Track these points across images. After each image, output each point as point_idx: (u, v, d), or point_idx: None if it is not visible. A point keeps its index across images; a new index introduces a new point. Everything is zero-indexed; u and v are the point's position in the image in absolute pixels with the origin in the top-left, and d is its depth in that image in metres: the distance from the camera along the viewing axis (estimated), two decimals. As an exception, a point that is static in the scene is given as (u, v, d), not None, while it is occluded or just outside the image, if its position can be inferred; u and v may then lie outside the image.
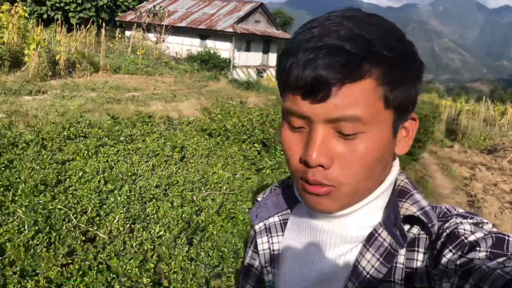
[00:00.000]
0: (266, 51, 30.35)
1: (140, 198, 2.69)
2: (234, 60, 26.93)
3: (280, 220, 0.81)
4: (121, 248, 2.22)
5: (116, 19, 30.62)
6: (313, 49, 0.58)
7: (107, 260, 2.08)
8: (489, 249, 0.54)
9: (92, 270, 1.99)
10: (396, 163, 0.70)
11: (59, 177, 2.77)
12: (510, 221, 5.20)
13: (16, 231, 2.17)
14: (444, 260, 0.57)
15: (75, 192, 2.61)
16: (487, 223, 0.62)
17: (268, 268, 0.77)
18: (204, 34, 27.86)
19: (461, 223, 0.61)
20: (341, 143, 0.61)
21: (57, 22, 19.91)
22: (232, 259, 2.36)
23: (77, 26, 22.90)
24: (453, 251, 0.57)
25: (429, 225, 0.62)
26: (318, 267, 0.71)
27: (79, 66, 13.78)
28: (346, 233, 0.68)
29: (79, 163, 3.00)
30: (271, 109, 5.26)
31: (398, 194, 0.68)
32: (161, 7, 27.04)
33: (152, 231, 2.36)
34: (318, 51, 0.58)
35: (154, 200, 2.71)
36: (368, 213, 0.68)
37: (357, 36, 0.58)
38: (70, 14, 29.26)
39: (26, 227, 2.19)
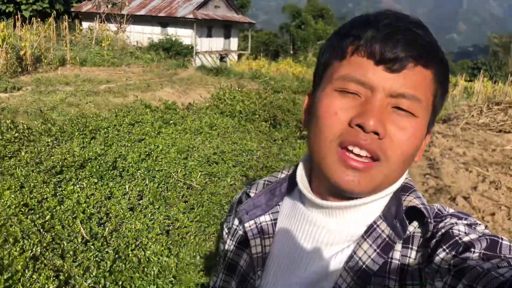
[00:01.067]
0: (227, 36, 30.47)
1: (207, 162, 3.38)
2: (196, 46, 26.95)
3: (271, 220, 0.77)
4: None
5: (72, 9, 29.77)
6: (393, 25, 0.60)
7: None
8: (482, 251, 0.54)
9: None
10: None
11: (146, 150, 3.54)
12: (463, 178, 5.89)
13: (145, 184, 3.01)
14: (437, 259, 0.57)
15: (161, 160, 3.35)
16: (479, 224, 0.62)
17: (259, 273, 0.74)
18: (165, 21, 27.66)
19: (456, 223, 0.61)
20: (394, 120, 0.61)
21: (13, 15, 19.30)
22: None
23: (30, 18, 22.23)
24: (447, 250, 0.57)
25: (429, 221, 0.61)
26: (313, 266, 0.69)
27: (45, 60, 13.67)
28: (346, 230, 0.68)
29: (151, 140, 3.69)
30: (266, 93, 5.95)
31: (402, 189, 0.68)
32: (119, -4, 26.59)
33: (224, 181, 3.14)
34: (399, 28, 0.60)
35: (214, 164, 3.42)
36: (371, 210, 0.68)
37: (427, 30, 0.62)
38: (23, 7, 28.16)
39: (147, 181, 2.91)
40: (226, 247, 0.83)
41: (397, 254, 0.63)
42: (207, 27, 28.39)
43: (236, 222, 0.83)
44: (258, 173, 3.60)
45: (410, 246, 0.63)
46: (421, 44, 0.60)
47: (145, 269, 2.21)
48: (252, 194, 0.81)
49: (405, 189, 0.68)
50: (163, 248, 2.38)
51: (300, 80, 8.77)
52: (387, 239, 0.63)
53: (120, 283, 2.08)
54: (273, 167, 3.66)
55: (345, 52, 0.64)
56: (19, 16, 18.32)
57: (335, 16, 44.73)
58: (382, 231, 0.64)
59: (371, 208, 0.67)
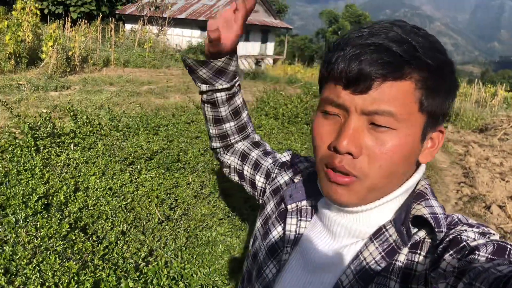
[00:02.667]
0: (264, 40, 30.85)
1: None
2: (233, 50, 27.37)
3: (311, 205, 0.82)
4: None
5: (116, 12, 30.89)
6: (361, 45, 0.62)
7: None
8: (489, 255, 0.53)
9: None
10: (421, 169, 0.71)
11: (203, 146, 3.93)
12: (499, 188, 5.82)
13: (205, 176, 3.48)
14: (443, 263, 0.57)
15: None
16: (494, 234, 0.61)
17: (287, 248, 0.79)
18: (204, 25, 28.26)
19: (466, 230, 0.61)
20: (372, 136, 0.63)
21: (62, 17, 20.19)
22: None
23: (77, 20, 23.12)
24: (454, 255, 0.57)
25: (436, 230, 0.62)
26: (323, 254, 0.73)
27: (91, 61, 14.32)
28: (356, 227, 0.70)
29: (206, 138, 4.07)
30: (307, 97, 6.26)
31: (415, 197, 0.68)
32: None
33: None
34: (365, 48, 0.62)
35: None
36: (382, 212, 0.69)
37: (404, 40, 0.61)
38: (71, 9, 29.42)
39: (207, 173, 3.44)
40: (268, 207, 0.92)
41: (402, 257, 0.64)
42: (245, 31, 28.80)
43: (283, 180, 0.93)
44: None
45: (418, 251, 0.64)
46: (387, 60, 0.61)
47: (213, 246, 2.57)
48: (296, 180, 0.87)
49: (418, 196, 0.68)
50: (227, 230, 2.73)
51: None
52: (393, 244, 0.65)
53: (194, 256, 2.45)
54: (299, 155, 3.96)
55: (324, 75, 0.69)
56: (69, 17, 19.04)
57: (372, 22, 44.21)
58: (390, 235, 0.66)
59: (382, 210, 0.69)
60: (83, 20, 19.84)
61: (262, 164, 1.01)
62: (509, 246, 0.55)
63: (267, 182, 0.98)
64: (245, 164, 1.04)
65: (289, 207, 0.83)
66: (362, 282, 0.65)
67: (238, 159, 1.05)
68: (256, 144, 1.07)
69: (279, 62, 29.35)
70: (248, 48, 29.27)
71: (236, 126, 1.04)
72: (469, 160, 7.23)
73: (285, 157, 1.01)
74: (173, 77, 15.71)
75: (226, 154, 1.08)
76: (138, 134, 4.07)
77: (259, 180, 1.00)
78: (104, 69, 14.74)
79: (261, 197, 0.99)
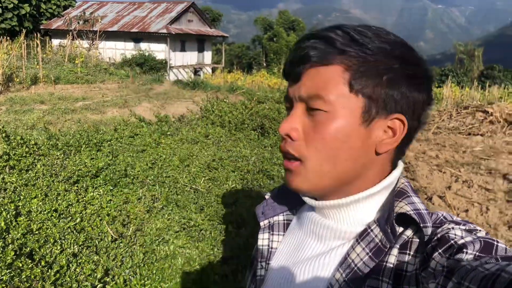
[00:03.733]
0: (201, 50, 30.79)
1: (207, 168, 3.64)
2: (170, 61, 27.11)
3: (284, 220, 0.83)
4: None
5: (41, 27, 29.45)
6: (300, 41, 0.68)
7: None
8: (476, 252, 0.54)
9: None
10: (399, 167, 0.72)
11: (150, 159, 3.80)
12: (438, 179, 6.17)
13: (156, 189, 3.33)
14: (433, 262, 0.57)
15: (166, 167, 3.57)
16: (480, 230, 0.62)
17: (262, 263, 0.80)
18: (138, 37, 27.74)
19: (453, 228, 0.61)
20: (308, 120, 0.67)
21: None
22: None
23: (-1, 37, 21.84)
24: (442, 254, 0.57)
25: (421, 225, 0.62)
26: (309, 258, 0.72)
27: (17, 79, 13.54)
28: (340, 227, 0.70)
29: (152, 151, 3.92)
30: (250, 103, 6.30)
31: (396, 195, 0.69)
32: (91, 12, 26.55)
33: (226, 185, 3.37)
34: (303, 40, 0.67)
35: (214, 170, 3.68)
36: (363, 211, 0.70)
37: (343, 32, 0.65)
38: (-9, 25, 27.71)
39: (157, 186, 3.23)
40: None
41: (392, 258, 0.64)
42: (180, 41, 28.60)
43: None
44: (255, 176, 3.93)
45: (407, 251, 0.64)
46: (315, 47, 0.65)
47: (172, 260, 2.50)
48: (267, 197, 0.87)
49: (399, 194, 0.69)
50: (185, 242, 2.66)
51: (281, 91, 9.21)
52: (379, 243, 0.65)
53: (154, 272, 2.36)
54: (268, 170, 4.00)
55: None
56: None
57: (306, 27, 45.76)
58: (375, 235, 0.66)
59: (362, 208, 0.70)
60: (5, 37, 18.71)
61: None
62: (495, 243, 0.56)
63: None
64: None
65: (261, 224, 0.83)
66: (352, 285, 0.65)
67: None
68: None
69: (218, 70, 29.39)
70: (186, 58, 29.07)
71: None
72: (408, 155, 7.57)
73: None
74: (109, 92, 15.19)
75: None
76: (80, 151, 3.88)
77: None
78: (33, 87, 13.97)
79: None
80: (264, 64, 38.46)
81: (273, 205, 0.85)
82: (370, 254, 0.65)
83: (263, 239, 0.82)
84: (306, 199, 0.74)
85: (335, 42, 0.64)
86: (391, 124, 0.67)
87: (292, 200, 0.83)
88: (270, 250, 0.80)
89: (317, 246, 0.73)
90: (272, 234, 0.82)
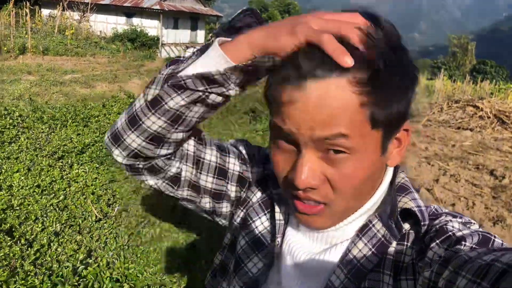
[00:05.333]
0: (194, 28, 30.32)
1: None
2: (162, 38, 26.69)
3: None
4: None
5: (31, -5, 28.62)
6: (302, 74, 0.55)
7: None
8: (474, 245, 0.55)
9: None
10: (390, 168, 0.69)
11: None
12: (426, 172, 6.21)
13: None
14: (430, 252, 0.57)
15: None
16: (474, 223, 0.63)
17: (279, 239, 0.73)
18: (130, 12, 27.16)
19: (451, 221, 0.61)
20: (329, 165, 0.59)
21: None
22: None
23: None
24: (440, 244, 0.57)
25: (422, 223, 0.62)
26: (307, 255, 0.70)
27: (4, 48, 13.20)
28: (337, 234, 0.68)
29: None
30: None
31: (398, 190, 0.67)
32: (82, -17, 25.85)
33: None
34: (306, 75, 0.54)
35: None
36: (362, 217, 0.68)
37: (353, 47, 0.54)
38: (-22, -9, 26.83)
39: None
40: (254, 199, 0.80)
41: (391, 250, 0.64)
42: (173, 18, 28.12)
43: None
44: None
45: (404, 242, 0.64)
46: (333, 85, 0.54)
47: (158, 243, 2.43)
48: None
49: (401, 189, 0.67)
50: (171, 226, 2.60)
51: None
52: (382, 239, 0.64)
53: (138, 255, 2.29)
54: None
55: (269, 100, 0.64)
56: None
57: (301, 11, 45.34)
58: (378, 230, 0.65)
59: (363, 219, 0.68)
60: (-8, 4, 18.17)
61: (229, 169, 0.81)
62: (492, 237, 0.56)
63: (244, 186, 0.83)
64: (202, 174, 0.79)
65: (274, 191, 0.75)
66: (355, 280, 0.63)
67: (192, 167, 0.79)
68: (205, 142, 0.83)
69: (210, 50, 28.96)
70: (178, 36, 28.62)
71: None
72: (405, 153, 7.59)
73: (245, 148, 0.85)
74: (99, 66, 14.94)
75: (173, 161, 0.77)
76: (67, 126, 3.75)
77: (232, 190, 0.82)
78: (21, 57, 13.66)
79: (243, 193, 0.82)
80: (258, 47, 37.97)
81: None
82: (373, 250, 0.64)
83: (279, 213, 0.74)
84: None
85: (351, 70, 0.53)
86: (399, 135, 0.64)
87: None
88: (285, 226, 0.74)
89: (313, 246, 0.71)
90: (288, 209, 0.74)
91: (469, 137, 8.04)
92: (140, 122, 0.65)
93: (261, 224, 0.77)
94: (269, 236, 0.75)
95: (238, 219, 0.81)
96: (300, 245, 0.71)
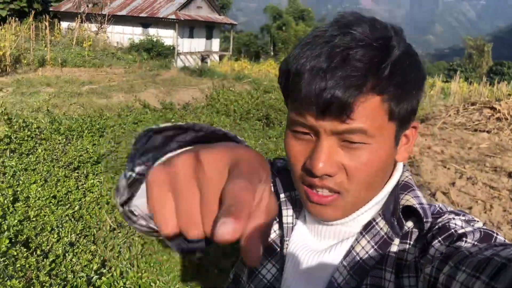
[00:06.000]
0: (209, 37, 30.59)
1: None
2: (178, 47, 26.98)
3: (296, 195, 0.79)
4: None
5: (51, 9, 29.32)
6: (322, 67, 0.58)
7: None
8: (476, 242, 0.55)
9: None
10: (400, 166, 0.71)
11: None
12: (442, 175, 6.13)
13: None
14: (432, 250, 0.58)
15: None
16: (478, 221, 0.63)
17: (287, 242, 0.75)
18: (146, 22, 27.58)
19: (453, 218, 0.62)
20: (346, 153, 0.62)
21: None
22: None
23: (8, 18, 21.82)
24: (442, 242, 0.58)
25: (424, 220, 0.62)
26: (311, 253, 0.71)
27: (24, 61, 13.51)
28: (345, 230, 0.69)
29: None
30: (257, 92, 6.23)
31: (401, 188, 0.68)
32: (99, -4, 26.39)
33: None
34: (328, 69, 0.57)
35: None
36: (369, 213, 0.69)
37: (365, 53, 0.58)
38: (0, 6, 27.63)
39: None
40: None
41: (394, 247, 0.65)
42: (189, 27, 28.43)
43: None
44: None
45: (407, 241, 0.64)
46: (356, 81, 0.57)
47: (171, 252, 2.44)
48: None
49: (404, 187, 0.68)
50: (185, 235, 2.62)
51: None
52: (385, 236, 0.65)
53: (152, 264, 2.31)
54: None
55: (285, 93, 0.67)
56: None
57: (315, 17, 45.32)
58: (381, 228, 0.66)
59: (370, 214, 0.69)
60: (13, 18, 18.66)
61: None
62: (495, 234, 0.57)
63: None
64: None
65: (281, 195, 0.77)
66: (357, 277, 0.64)
67: None
68: None
69: (225, 58, 29.20)
70: (193, 45, 28.90)
71: None
72: (413, 149, 7.52)
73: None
74: (116, 76, 15.17)
75: None
76: (82, 136, 3.82)
77: None
78: (40, 69, 13.95)
79: None
80: (272, 54, 38.15)
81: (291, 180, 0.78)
82: (375, 247, 0.65)
83: (287, 216, 0.76)
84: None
85: (368, 71, 0.58)
86: (407, 132, 0.67)
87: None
88: (293, 227, 0.76)
89: (319, 243, 0.72)
90: (296, 211, 0.77)
91: (486, 139, 7.89)
92: (132, 222, 0.60)
93: (272, 231, 0.77)
94: (279, 240, 0.76)
95: None
96: (304, 244, 0.73)
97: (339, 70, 0.57)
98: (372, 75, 0.58)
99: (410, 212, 0.65)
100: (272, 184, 0.79)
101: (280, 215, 0.77)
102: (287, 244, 0.74)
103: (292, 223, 0.76)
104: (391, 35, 0.61)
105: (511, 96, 10.88)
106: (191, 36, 28.73)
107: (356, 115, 0.59)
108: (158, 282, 2.16)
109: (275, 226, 0.78)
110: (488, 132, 8.37)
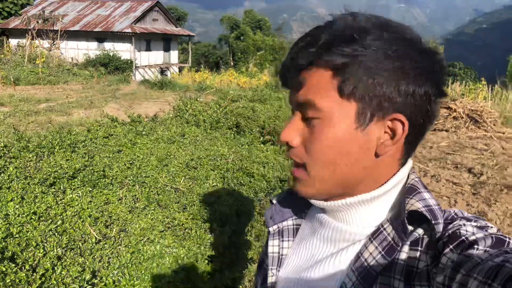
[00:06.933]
0: (167, 49, 30.43)
1: (186, 167, 3.60)
2: (136, 60, 26.65)
3: (293, 225, 0.82)
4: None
5: (-2, 26, 28.23)
6: (295, 43, 0.67)
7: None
8: (488, 248, 0.54)
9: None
10: (407, 165, 0.70)
11: (128, 160, 3.71)
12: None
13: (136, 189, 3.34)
14: (444, 258, 0.57)
15: (145, 167, 3.52)
16: (491, 227, 0.61)
17: (273, 271, 0.79)
18: (101, 36, 27.09)
19: (464, 225, 0.61)
20: (306, 127, 0.67)
21: None
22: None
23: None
24: (453, 250, 0.57)
25: (433, 222, 0.61)
26: (320, 260, 0.72)
27: (-26, 81, 12.99)
28: (350, 230, 0.70)
29: (129, 151, 3.83)
30: (224, 102, 6.29)
31: (407, 192, 0.67)
32: (51, 11, 25.68)
33: (207, 184, 3.37)
34: (294, 45, 0.67)
35: (193, 169, 3.65)
36: (372, 212, 0.69)
37: (331, 29, 0.63)
38: None
39: (137, 186, 3.32)
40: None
41: (403, 255, 0.63)
42: (145, 40, 28.18)
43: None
44: (235, 174, 3.94)
45: (418, 248, 0.63)
46: (303, 50, 0.65)
47: (160, 259, 2.47)
48: (274, 201, 0.85)
49: (409, 191, 0.67)
50: (171, 242, 2.64)
51: (253, 89, 9.22)
52: (391, 242, 0.64)
53: (142, 271, 2.32)
54: (248, 168, 4.01)
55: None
56: None
57: (272, 26, 46.00)
58: (388, 234, 0.65)
59: (370, 210, 0.69)
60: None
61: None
62: (507, 239, 0.56)
63: None
64: None
65: (270, 229, 0.82)
66: (365, 283, 0.64)
67: None
68: None
69: (185, 69, 29.09)
70: (152, 58, 28.65)
71: None
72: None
73: None
74: (73, 92, 14.80)
75: None
76: (54, 153, 3.75)
77: None
78: (-10, 89, 13.39)
79: None
80: (232, 63, 38.34)
81: (282, 210, 0.84)
82: (383, 252, 0.64)
83: (273, 246, 0.81)
84: (314, 201, 0.73)
85: (321, 44, 0.63)
86: (390, 125, 0.64)
87: (300, 204, 0.82)
88: (280, 257, 0.80)
89: (327, 249, 0.73)
90: (282, 241, 0.81)
91: (445, 138, 8.29)
92: None
93: (266, 259, 0.84)
94: (268, 270, 0.81)
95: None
96: (307, 259, 0.76)
97: (300, 45, 0.65)
98: (325, 50, 0.62)
99: (419, 218, 0.64)
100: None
101: (266, 246, 0.83)
102: (272, 272, 0.79)
103: (279, 253, 0.80)
104: (368, 28, 0.63)
105: (465, 96, 11.48)
106: (148, 49, 28.50)
107: (306, 87, 0.65)
108: (150, 288, 2.18)
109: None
110: (446, 130, 8.77)
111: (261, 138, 5.34)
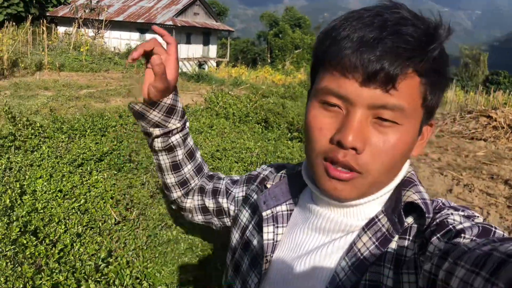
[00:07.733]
0: (206, 43, 30.84)
1: (211, 157, 3.64)
2: (175, 53, 27.12)
3: (287, 210, 0.81)
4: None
5: (47, 14, 29.40)
6: (372, 36, 0.57)
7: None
8: (474, 237, 0.54)
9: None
10: (408, 160, 0.71)
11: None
12: (439, 182, 6.20)
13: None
14: (431, 247, 0.57)
15: None
16: (478, 216, 0.61)
17: (267, 257, 0.77)
18: (143, 28, 27.75)
19: (452, 214, 0.61)
20: (376, 131, 0.61)
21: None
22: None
23: (5, 22, 21.90)
24: (440, 238, 0.57)
25: (426, 215, 0.62)
26: (313, 252, 0.71)
27: (22, 65, 13.58)
28: (346, 221, 0.69)
29: None
30: (255, 96, 6.32)
31: (403, 184, 0.68)
32: (97, 1, 26.53)
33: (230, 175, 3.39)
34: (379, 39, 0.57)
35: (217, 159, 3.69)
36: (374, 206, 0.69)
37: (416, 31, 0.58)
38: (-3, 10, 27.69)
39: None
40: (243, 217, 0.91)
41: (393, 244, 0.64)
42: (186, 33, 28.63)
43: (255, 196, 0.91)
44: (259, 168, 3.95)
45: (406, 237, 0.64)
46: (401, 50, 0.58)
47: (175, 245, 2.51)
48: (269, 186, 0.85)
49: (406, 183, 0.69)
50: (187, 229, 2.68)
51: (286, 86, 9.25)
52: (386, 233, 0.65)
53: (156, 255, 2.37)
54: (272, 163, 4.02)
55: (320, 61, 0.66)
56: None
57: (312, 25, 45.67)
58: (383, 225, 0.66)
59: (372, 205, 0.69)
60: (11, 23, 18.76)
61: (225, 189, 1.03)
62: (493, 229, 0.57)
63: (235, 200, 1.00)
64: (205, 197, 1.05)
65: (264, 214, 0.81)
66: (357, 272, 0.65)
67: (198, 195, 1.07)
68: (217, 178, 1.10)
69: (222, 64, 29.38)
70: (191, 51, 29.07)
71: (193, 168, 1.06)
72: (410, 156, 7.63)
73: (251, 173, 1.03)
74: (113, 81, 15.23)
75: (187, 199, 1.09)
76: (85, 135, 3.88)
77: (224, 202, 1.02)
78: (37, 73, 14.01)
79: (232, 213, 1.01)
80: (269, 60, 38.36)
81: (275, 194, 0.83)
82: (376, 243, 0.65)
83: (268, 233, 0.80)
84: (315, 191, 0.73)
85: (416, 48, 0.59)
86: (424, 128, 0.68)
87: (293, 189, 0.82)
88: (274, 243, 0.79)
89: (320, 238, 0.73)
90: (277, 227, 0.80)
91: (482, 147, 7.99)
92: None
93: (257, 243, 0.84)
94: (262, 254, 0.80)
95: (234, 240, 0.93)
96: (300, 248, 0.75)
97: (390, 41, 0.57)
98: (420, 53, 0.58)
99: (411, 208, 0.65)
100: (260, 188, 0.92)
101: (261, 230, 0.82)
102: (266, 259, 0.77)
103: (273, 239, 0.78)
104: (438, 24, 0.62)
105: (507, 105, 11.02)
106: (188, 42, 28.93)
107: (399, 89, 0.59)
108: (163, 272, 2.22)
109: (259, 238, 0.83)
110: (484, 140, 8.48)
111: (289, 135, 5.32)
